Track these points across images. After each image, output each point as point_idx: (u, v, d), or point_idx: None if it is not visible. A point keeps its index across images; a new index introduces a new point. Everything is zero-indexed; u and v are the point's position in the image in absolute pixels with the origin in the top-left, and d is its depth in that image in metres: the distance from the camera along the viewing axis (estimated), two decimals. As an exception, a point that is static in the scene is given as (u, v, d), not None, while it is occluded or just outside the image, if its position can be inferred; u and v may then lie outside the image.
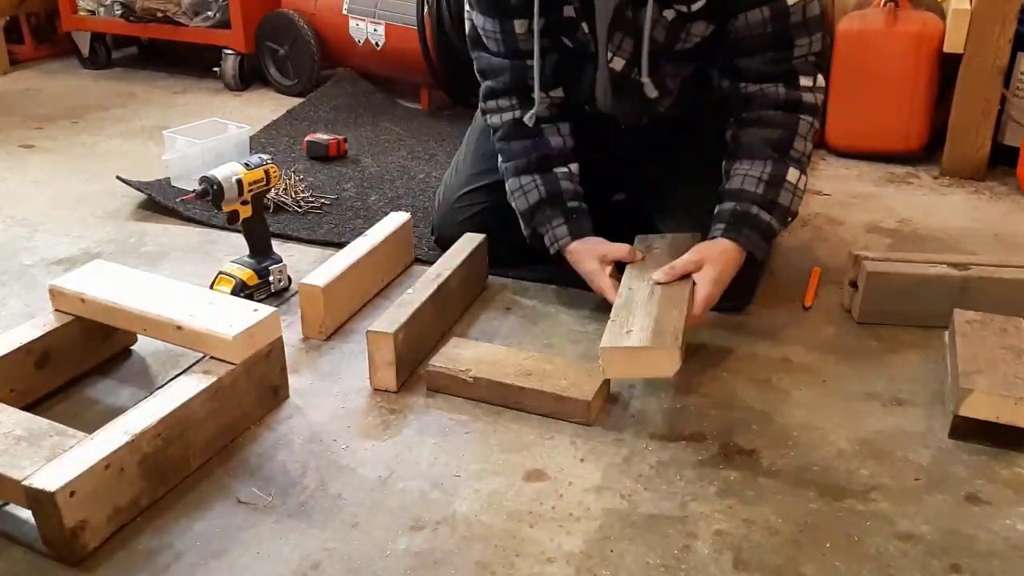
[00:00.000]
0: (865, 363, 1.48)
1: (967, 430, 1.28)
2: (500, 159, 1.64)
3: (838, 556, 1.08)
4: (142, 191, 2.12)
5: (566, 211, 1.57)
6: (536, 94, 1.54)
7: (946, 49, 2.22)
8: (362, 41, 2.86)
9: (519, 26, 1.51)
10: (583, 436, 1.30)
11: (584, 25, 1.52)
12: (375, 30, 2.81)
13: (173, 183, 2.15)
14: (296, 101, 2.90)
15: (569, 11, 1.51)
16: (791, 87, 1.48)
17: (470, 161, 1.80)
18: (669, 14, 1.45)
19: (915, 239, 1.95)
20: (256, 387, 1.31)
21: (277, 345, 1.34)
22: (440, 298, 1.52)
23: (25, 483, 1.04)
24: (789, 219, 1.52)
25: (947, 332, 1.46)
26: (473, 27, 1.58)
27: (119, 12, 3.22)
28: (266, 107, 2.90)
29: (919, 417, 1.34)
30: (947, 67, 2.31)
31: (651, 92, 1.51)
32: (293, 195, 2.08)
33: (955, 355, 1.34)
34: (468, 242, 1.67)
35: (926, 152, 2.40)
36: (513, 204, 1.61)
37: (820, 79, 1.50)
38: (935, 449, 1.27)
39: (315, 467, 1.24)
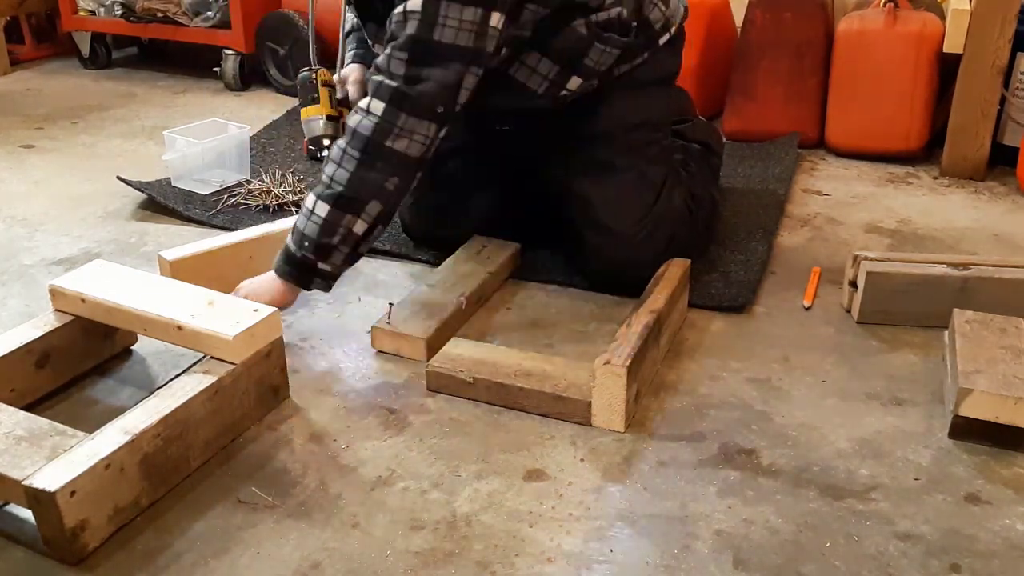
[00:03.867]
0: (865, 363, 1.48)
1: (967, 430, 1.28)
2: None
3: (838, 556, 1.08)
4: (142, 191, 2.12)
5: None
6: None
7: (946, 49, 2.22)
8: (362, 41, 2.85)
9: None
10: (583, 436, 1.30)
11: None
12: (375, 30, 2.81)
13: (173, 183, 2.15)
14: (296, 101, 2.88)
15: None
16: (354, 111, 1.45)
17: None
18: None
19: (915, 239, 1.96)
20: (256, 387, 1.31)
21: (277, 345, 1.34)
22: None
23: (25, 483, 1.04)
24: (306, 243, 1.42)
25: (947, 332, 1.46)
26: None
27: (119, 12, 3.21)
28: (266, 107, 2.90)
29: (919, 417, 1.34)
30: (947, 67, 2.31)
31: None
32: (293, 195, 2.08)
33: (955, 355, 1.34)
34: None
35: (926, 152, 2.40)
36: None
37: (376, 105, 1.39)
38: (935, 449, 1.27)
39: (315, 467, 1.24)
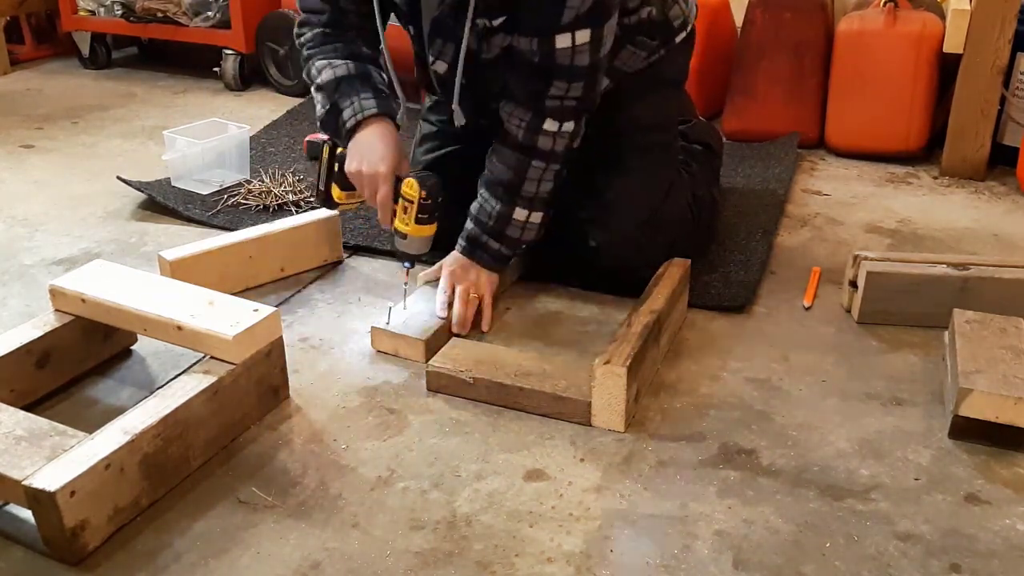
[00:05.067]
0: (865, 363, 1.48)
1: (967, 430, 1.28)
2: (305, 55, 1.62)
3: (838, 556, 1.08)
4: (142, 191, 2.12)
5: (376, 88, 1.58)
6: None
7: (946, 49, 2.22)
8: (362, 41, 2.85)
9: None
10: (583, 436, 1.30)
11: (411, 28, 1.61)
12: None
13: (173, 183, 2.15)
14: (296, 101, 2.90)
15: (402, 6, 1.59)
16: (530, 129, 1.51)
17: (416, 143, 1.88)
18: (480, 23, 1.49)
19: (915, 239, 1.96)
20: (256, 387, 1.31)
21: (277, 345, 1.34)
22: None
23: (25, 483, 1.04)
24: (522, 246, 1.60)
25: (947, 332, 1.46)
26: None
27: (119, 12, 3.21)
28: (266, 107, 2.90)
29: (919, 417, 1.34)
30: (947, 67, 2.31)
31: (458, 116, 1.57)
32: (293, 195, 2.08)
33: (955, 355, 1.34)
34: None
35: (926, 152, 2.40)
36: (317, 81, 1.59)
37: (568, 125, 1.52)
38: (935, 449, 1.27)
39: (315, 467, 1.24)
